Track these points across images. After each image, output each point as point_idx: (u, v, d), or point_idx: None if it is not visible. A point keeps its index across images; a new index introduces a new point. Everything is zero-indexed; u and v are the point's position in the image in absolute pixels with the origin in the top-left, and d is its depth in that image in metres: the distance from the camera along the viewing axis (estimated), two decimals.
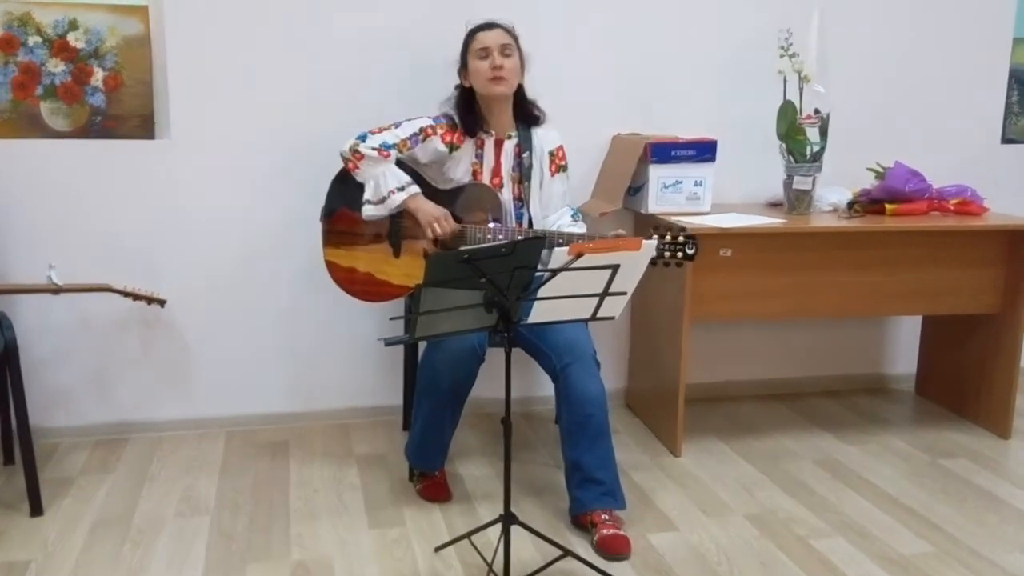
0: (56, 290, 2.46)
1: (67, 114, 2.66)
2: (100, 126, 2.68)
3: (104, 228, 2.71)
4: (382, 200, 2.35)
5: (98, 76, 2.65)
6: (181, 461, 2.68)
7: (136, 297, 2.56)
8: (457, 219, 2.38)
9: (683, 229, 2.17)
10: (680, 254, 2.16)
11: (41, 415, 2.73)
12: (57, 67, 2.62)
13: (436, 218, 2.34)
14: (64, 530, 2.24)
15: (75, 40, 2.62)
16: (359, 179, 2.38)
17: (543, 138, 2.53)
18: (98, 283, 2.55)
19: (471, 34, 2.43)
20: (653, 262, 2.07)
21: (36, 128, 2.64)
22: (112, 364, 2.81)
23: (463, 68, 2.45)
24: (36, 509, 2.31)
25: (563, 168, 2.56)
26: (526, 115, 2.50)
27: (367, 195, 2.37)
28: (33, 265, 2.62)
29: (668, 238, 2.15)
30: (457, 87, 2.49)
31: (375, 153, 2.35)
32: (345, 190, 2.42)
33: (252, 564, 2.09)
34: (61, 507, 2.36)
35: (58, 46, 2.61)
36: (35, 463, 2.31)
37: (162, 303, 2.61)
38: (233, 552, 2.15)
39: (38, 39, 2.60)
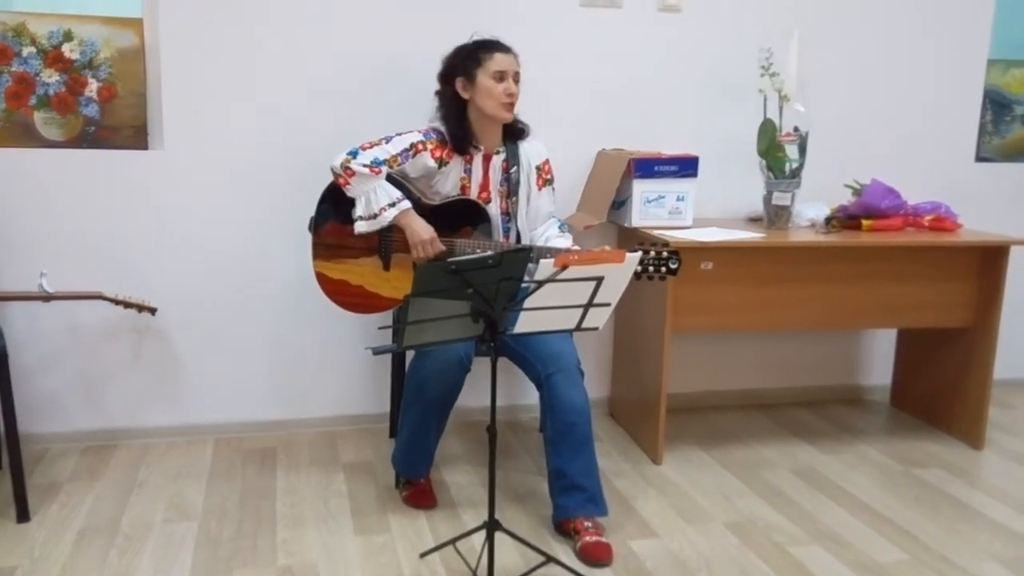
0: (47, 297, 2.47)
1: (61, 124, 2.68)
2: (93, 136, 2.71)
3: (96, 237, 2.73)
4: (373, 216, 2.37)
5: (92, 87, 2.68)
6: (169, 468, 2.69)
7: (127, 305, 2.58)
8: (446, 234, 2.42)
9: (667, 244, 2.21)
10: (664, 268, 2.19)
11: (30, 421, 2.74)
12: (51, 77, 2.65)
13: (423, 241, 2.36)
14: (51, 536, 2.25)
15: (70, 51, 2.65)
16: (350, 195, 2.39)
17: (529, 152, 2.56)
18: (89, 291, 2.57)
19: (486, 50, 2.40)
20: (637, 275, 2.10)
21: (30, 137, 2.67)
22: (102, 371, 2.82)
23: (464, 79, 2.41)
24: (23, 515, 2.31)
25: (549, 182, 2.60)
26: (512, 130, 2.52)
27: (358, 211, 2.38)
28: (24, 272, 2.64)
29: (652, 253, 2.18)
30: (438, 93, 2.47)
31: (366, 170, 2.36)
32: (334, 203, 2.44)
33: (239, 570, 2.11)
34: (48, 513, 2.37)
35: (52, 57, 2.64)
36: (23, 469, 2.32)
37: (153, 311, 2.62)
38: (220, 558, 2.17)
39: (32, 49, 2.63)
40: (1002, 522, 2.47)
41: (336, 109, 2.81)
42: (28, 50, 2.62)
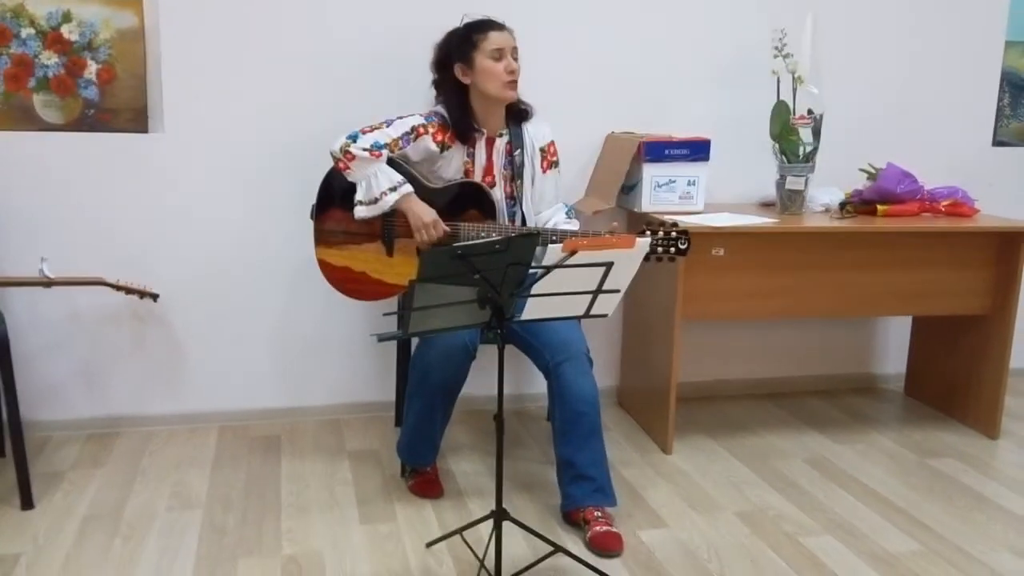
0: (48, 283, 2.44)
1: (60, 107, 2.64)
2: (93, 119, 2.67)
3: (97, 221, 2.70)
4: (374, 201, 2.32)
5: (91, 69, 2.64)
6: (172, 456, 2.67)
7: (129, 291, 2.55)
8: (450, 218, 2.38)
9: (675, 224, 2.19)
10: (673, 249, 2.17)
11: (32, 409, 2.73)
12: (50, 59, 2.61)
13: (425, 224, 2.32)
14: (55, 524, 2.24)
15: (69, 32, 2.60)
16: (350, 179, 2.35)
17: (534, 134, 2.50)
18: (90, 276, 2.54)
19: (480, 31, 2.35)
20: (646, 257, 2.09)
21: (29, 120, 2.63)
22: (104, 358, 2.80)
23: (463, 64, 2.36)
24: (27, 503, 2.30)
25: (555, 164, 2.55)
26: (516, 112, 2.47)
27: (359, 196, 2.34)
28: (25, 258, 2.61)
29: (660, 234, 2.16)
30: (435, 83, 2.43)
31: (366, 154, 2.31)
32: (336, 189, 2.40)
33: (243, 558, 2.09)
34: (52, 501, 2.35)
35: (52, 38, 2.60)
36: (26, 457, 2.30)
37: (155, 297, 2.59)
38: (224, 546, 2.15)
39: (31, 31, 2.58)
40: (1017, 512, 2.44)
41: (338, 91, 2.77)
42: (27, 31, 2.58)
